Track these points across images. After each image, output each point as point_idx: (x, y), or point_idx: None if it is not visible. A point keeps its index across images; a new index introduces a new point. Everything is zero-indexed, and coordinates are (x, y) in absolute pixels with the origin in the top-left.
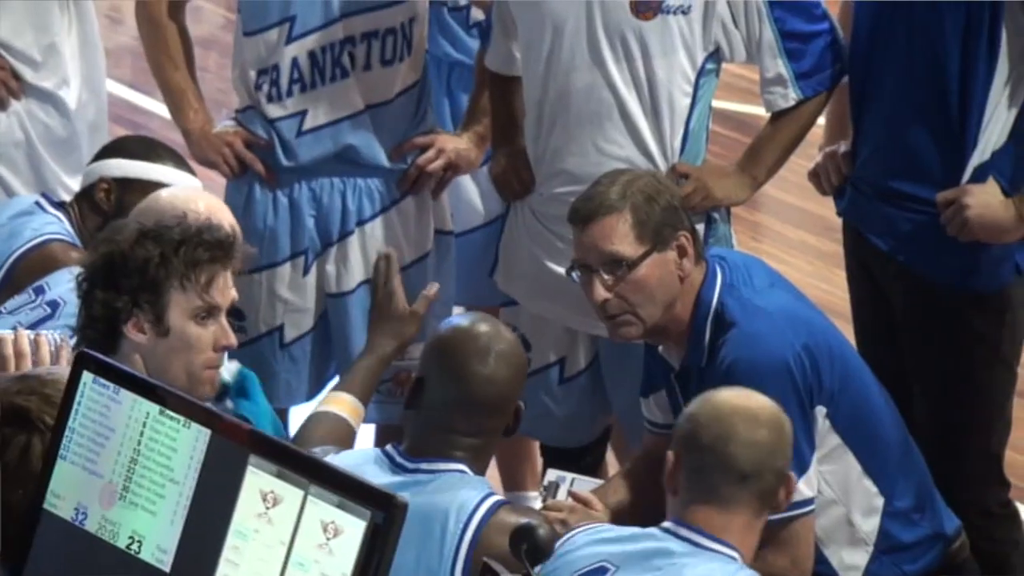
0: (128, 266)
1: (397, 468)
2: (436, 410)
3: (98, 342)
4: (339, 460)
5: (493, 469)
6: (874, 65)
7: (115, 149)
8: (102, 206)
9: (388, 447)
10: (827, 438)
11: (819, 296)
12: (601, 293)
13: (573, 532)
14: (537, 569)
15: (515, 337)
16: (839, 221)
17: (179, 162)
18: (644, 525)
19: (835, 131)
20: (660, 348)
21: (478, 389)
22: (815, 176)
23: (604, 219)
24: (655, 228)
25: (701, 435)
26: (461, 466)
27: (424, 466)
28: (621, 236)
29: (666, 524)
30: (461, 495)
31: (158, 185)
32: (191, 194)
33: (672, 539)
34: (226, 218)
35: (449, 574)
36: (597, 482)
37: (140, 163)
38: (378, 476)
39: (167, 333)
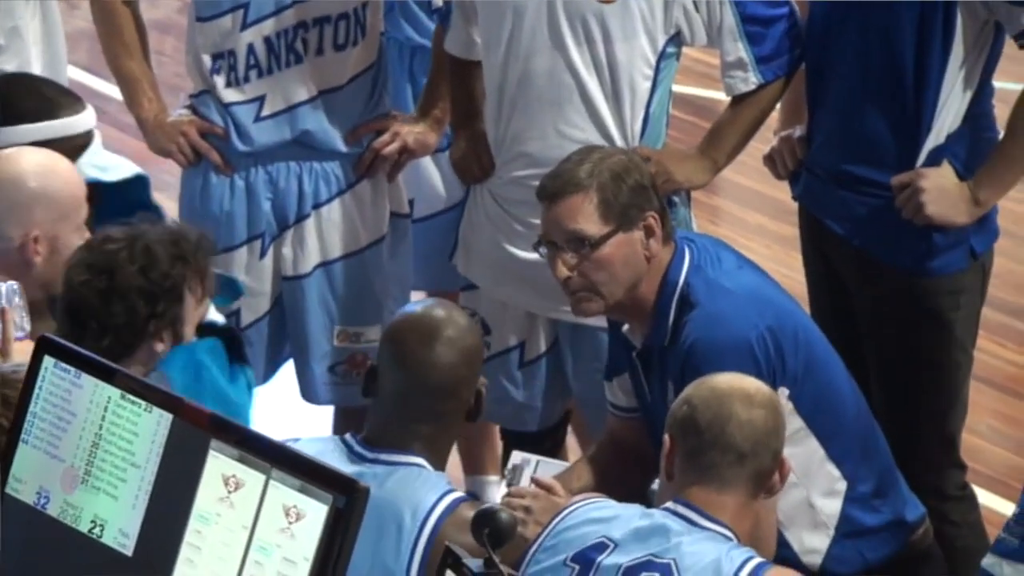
0: (164, 284)
1: (355, 457)
2: (390, 398)
3: (118, 352)
4: (299, 447)
5: (454, 453)
6: (829, 48)
7: (14, 111)
8: None
9: (347, 436)
10: (790, 420)
11: (778, 280)
12: (563, 271)
13: (572, 507)
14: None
15: (469, 322)
16: (796, 205)
17: (73, 101)
18: None
19: (790, 115)
20: (624, 327)
21: (424, 374)
22: (770, 160)
23: (570, 197)
24: (621, 208)
25: (698, 417)
26: (419, 460)
27: (383, 457)
28: (586, 215)
29: (667, 504)
30: (418, 494)
31: (72, 139)
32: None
33: (671, 517)
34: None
35: (405, 572)
36: (562, 464)
37: (48, 123)
38: (336, 465)
39: (181, 340)
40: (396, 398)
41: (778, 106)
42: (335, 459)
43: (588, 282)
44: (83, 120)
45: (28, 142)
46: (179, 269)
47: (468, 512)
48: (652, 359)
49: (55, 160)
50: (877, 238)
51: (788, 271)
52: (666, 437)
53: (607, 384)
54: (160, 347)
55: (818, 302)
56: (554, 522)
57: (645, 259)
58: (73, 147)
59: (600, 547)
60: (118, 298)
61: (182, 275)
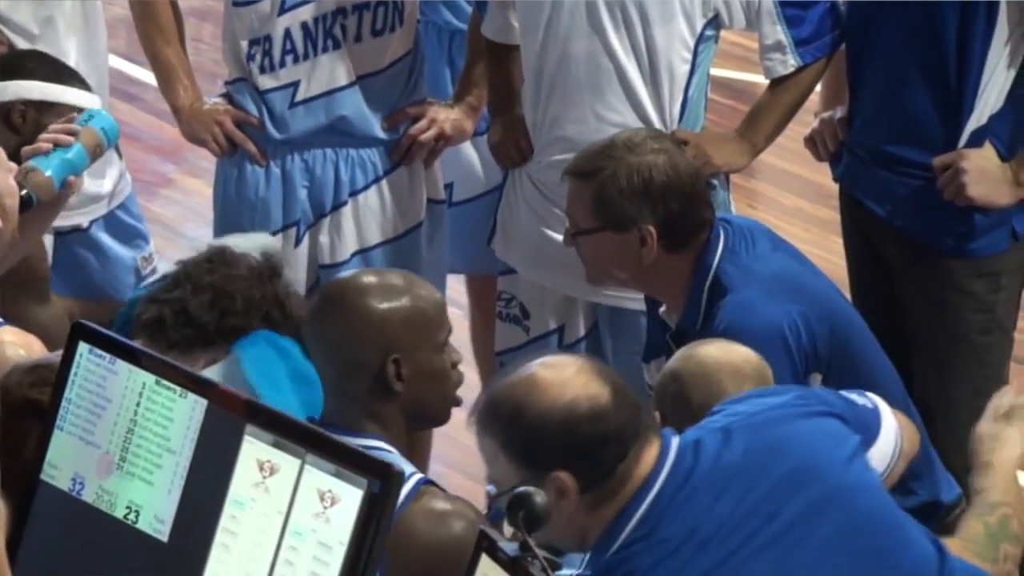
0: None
1: None
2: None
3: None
4: None
5: None
6: (871, 29)
7: (20, 69)
8: (18, 127)
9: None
10: None
11: (816, 262)
12: (564, 238)
13: None
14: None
15: (369, 284)
16: (836, 188)
17: (84, 84)
18: None
19: (831, 97)
20: (662, 309)
21: (308, 344)
22: (811, 142)
23: (575, 182)
24: (615, 210)
25: (689, 394)
26: (377, 443)
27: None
28: (580, 204)
29: None
30: None
31: (71, 108)
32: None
33: None
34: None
35: None
36: None
37: (55, 86)
38: None
39: None
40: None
41: (819, 88)
42: None
43: (582, 259)
44: (88, 98)
45: (30, 99)
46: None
47: (433, 501)
48: (685, 341)
49: None
50: (918, 219)
51: (827, 254)
52: (657, 414)
53: (645, 366)
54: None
55: (860, 283)
56: None
57: (638, 262)
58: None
59: None
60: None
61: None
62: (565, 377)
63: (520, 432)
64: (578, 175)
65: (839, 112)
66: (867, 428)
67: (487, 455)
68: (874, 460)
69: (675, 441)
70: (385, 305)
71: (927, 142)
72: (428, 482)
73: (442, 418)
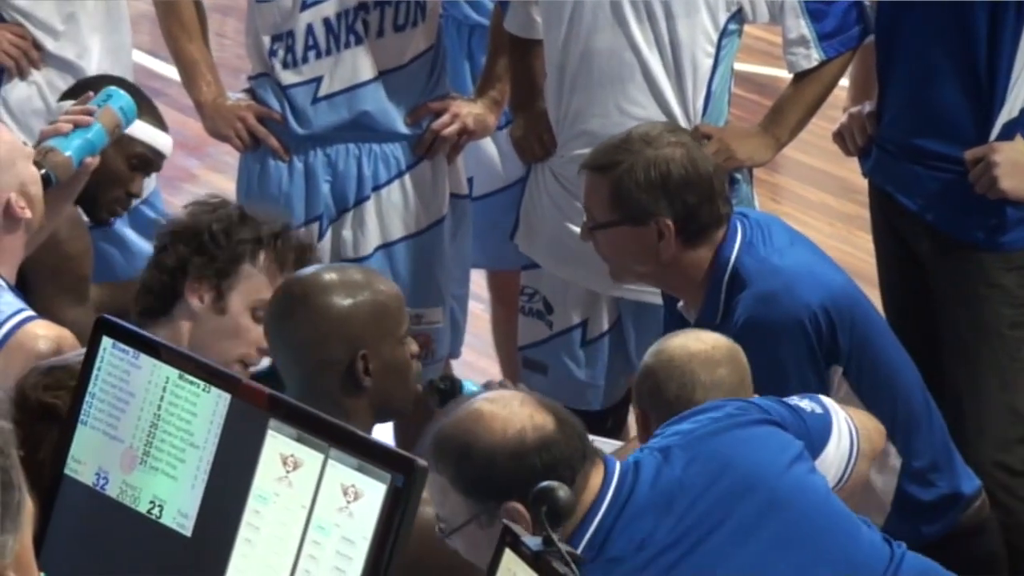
0: (217, 239)
1: None
2: (279, 368)
3: (157, 295)
4: None
5: None
6: (900, 22)
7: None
8: None
9: None
10: (847, 398)
11: (840, 258)
12: (581, 233)
13: None
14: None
15: (331, 280)
16: (861, 183)
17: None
18: None
19: (860, 91)
20: (680, 304)
21: (272, 342)
22: (839, 137)
23: (591, 175)
24: (632, 203)
25: (664, 389)
26: None
27: None
28: (596, 197)
29: None
30: None
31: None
32: None
33: None
34: None
35: None
36: (617, 444)
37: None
38: None
39: (223, 312)
40: (280, 369)
41: (845, 83)
42: None
43: (599, 253)
44: (163, 140)
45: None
46: (246, 234)
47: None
48: None
49: None
50: (949, 213)
51: (851, 249)
52: (637, 411)
53: None
54: (196, 304)
55: (890, 278)
56: None
57: (656, 255)
58: (147, 160)
59: None
60: (167, 244)
61: (244, 245)
62: (511, 410)
63: (470, 466)
64: (595, 169)
65: (867, 107)
66: (814, 432)
67: (436, 493)
68: (826, 463)
69: (617, 465)
70: (349, 301)
71: (958, 136)
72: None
73: (406, 409)
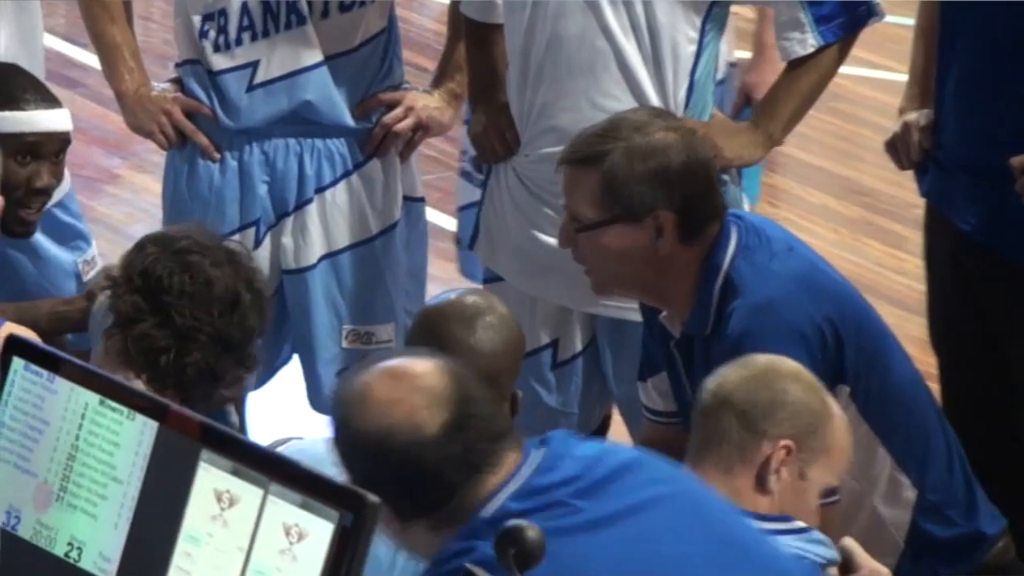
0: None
1: None
2: None
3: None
4: (300, 454)
5: None
6: (957, 30)
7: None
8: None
9: None
10: (853, 424)
11: (845, 269)
12: (560, 238)
13: None
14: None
15: (509, 312)
16: (868, 183)
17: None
18: None
19: (920, 88)
20: (662, 315)
21: (466, 360)
22: (892, 148)
23: (575, 170)
24: (628, 197)
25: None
26: None
27: None
28: (585, 195)
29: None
30: None
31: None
32: None
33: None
34: None
35: None
36: None
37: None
38: None
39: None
40: None
41: (846, 71)
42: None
43: (583, 262)
44: (53, 117)
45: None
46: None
47: None
48: (694, 349)
49: None
50: (1006, 233)
51: (858, 259)
52: (787, 444)
53: (641, 385)
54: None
55: (943, 311)
56: None
57: (652, 254)
58: (44, 150)
59: None
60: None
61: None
62: (399, 396)
63: (340, 440)
64: (579, 162)
65: (924, 117)
66: None
67: None
68: None
69: (535, 454)
70: (522, 336)
71: (1016, 151)
72: None
73: None
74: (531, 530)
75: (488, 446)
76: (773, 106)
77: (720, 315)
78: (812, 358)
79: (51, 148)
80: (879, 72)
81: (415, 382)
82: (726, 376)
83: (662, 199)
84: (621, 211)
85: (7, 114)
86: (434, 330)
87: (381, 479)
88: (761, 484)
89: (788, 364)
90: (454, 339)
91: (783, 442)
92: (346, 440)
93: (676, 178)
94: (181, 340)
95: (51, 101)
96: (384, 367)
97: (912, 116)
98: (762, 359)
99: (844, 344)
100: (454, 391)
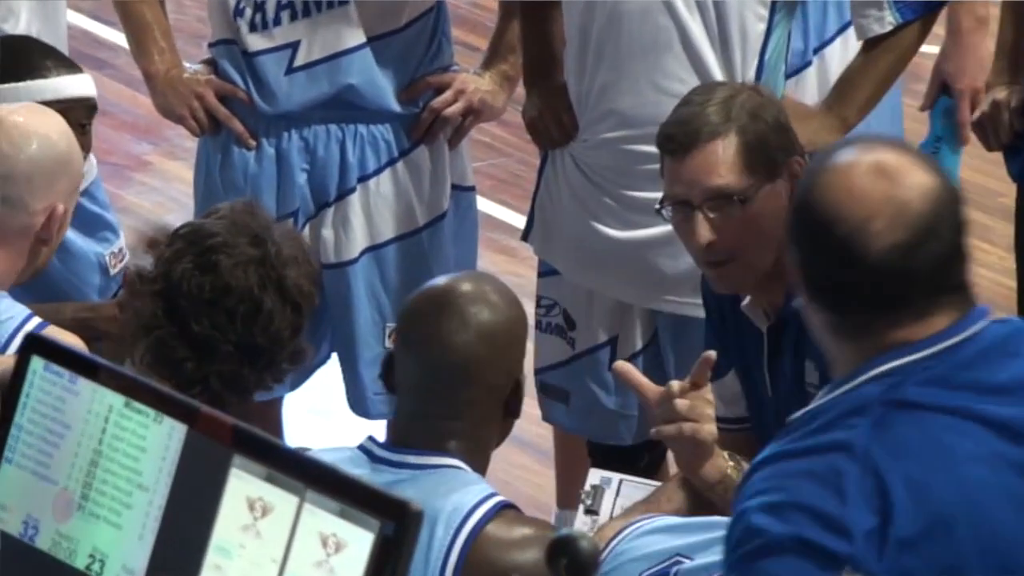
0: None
1: (379, 463)
2: (409, 390)
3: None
4: None
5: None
6: None
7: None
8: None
9: (366, 441)
10: None
11: None
12: (705, 234)
13: (624, 533)
14: None
15: (501, 295)
16: (967, 174)
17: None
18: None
19: (1006, 64)
20: (744, 303)
21: (434, 355)
22: (979, 128)
23: (707, 146)
24: (766, 153)
25: None
26: (455, 461)
27: (411, 459)
28: (729, 165)
29: None
30: (453, 499)
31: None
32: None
33: None
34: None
35: None
36: (651, 484)
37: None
38: None
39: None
40: (415, 389)
41: (926, 49)
42: (353, 470)
43: (735, 247)
44: (77, 83)
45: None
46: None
47: (510, 528)
48: (784, 338)
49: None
50: None
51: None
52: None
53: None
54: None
55: None
56: (613, 543)
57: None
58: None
59: (675, 564)
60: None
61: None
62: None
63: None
64: (708, 135)
65: (1015, 96)
66: None
67: None
68: None
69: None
70: (514, 319)
71: None
72: (508, 505)
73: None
74: (585, 540)
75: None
76: (848, 88)
77: None
78: None
79: (78, 116)
80: None
81: (896, 191)
82: None
83: (791, 145)
84: (767, 170)
85: (30, 83)
86: (405, 323)
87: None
88: None
89: None
90: (420, 333)
91: None
92: (799, 201)
93: (788, 124)
94: (200, 350)
95: (72, 67)
96: (877, 158)
97: (1002, 94)
98: None
99: None
100: (926, 219)
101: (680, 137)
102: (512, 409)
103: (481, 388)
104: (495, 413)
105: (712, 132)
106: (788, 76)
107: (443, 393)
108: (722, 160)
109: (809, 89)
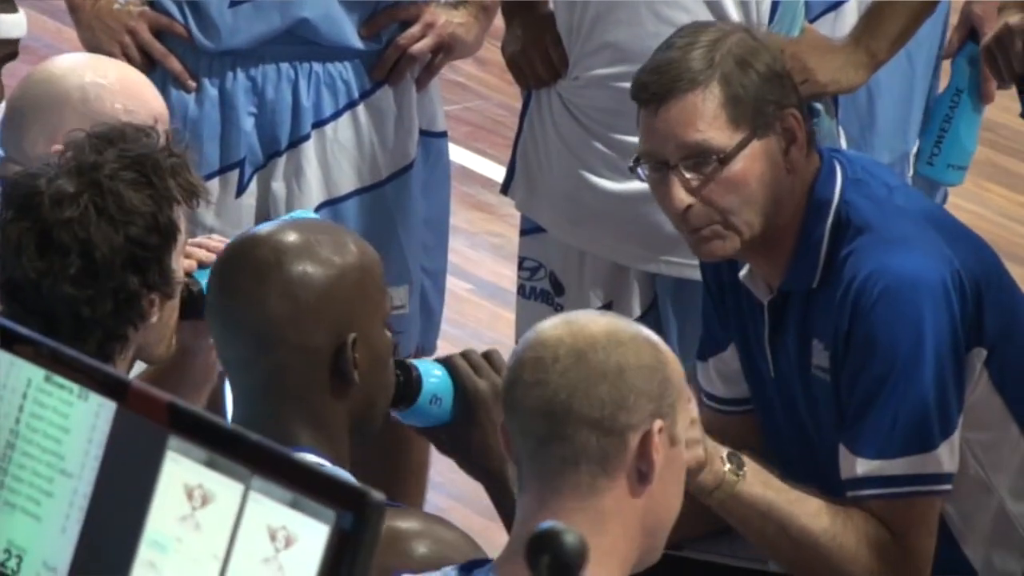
0: (150, 240)
1: None
2: (227, 364)
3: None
4: None
5: None
6: None
7: None
8: None
9: None
10: (984, 395)
11: (962, 218)
12: (683, 197)
13: None
14: None
15: (333, 240)
16: (990, 115)
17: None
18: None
19: None
20: (741, 273)
21: (222, 319)
22: (989, 55)
23: (684, 97)
24: (754, 106)
25: None
26: (316, 458)
27: None
28: (709, 119)
29: None
30: None
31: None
32: (104, 83)
33: None
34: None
35: None
36: None
37: None
38: None
39: (172, 297)
40: (231, 364)
41: None
42: None
43: (715, 211)
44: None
45: None
46: (161, 203)
47: (393, 521)
48: (787, 313)
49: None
50: None
51: (974, 206)
52: None
53: (701, 366)
54: (154, 318)
55: None
56: None
57: (786, 173)
58: None
59: None
60: (103, 281)
61: (168, 206)
62: None
63: None
64: (686, 84)
65: None
66: None
67: None
68: None
69: None
70: (336, 267)
71: None
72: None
73: (379, 421)
74: (570, 535)
75: None
76: (878, 20)
77: (831, 261)
78: (951, 313)
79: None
80: None
81: None
82: (537, 389)
83: (786, 96)
84: (753, 124)
85: None
86: (217, 278)
87: None
88: (641, 480)
89: (593, 328)
90: (234, 289)
91: (655, 424)
92: None
93: (784, 71)
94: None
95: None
96: None
97: (1016, 18)
98: (551, 338)
99: (984, 300)
100: None
101: (654, 86)
102: (343, 374)
103: (292, 354)
104: (319, 382)
105: (691, 81)
106: (826, 10)
107: (246, 365)
108: (701, 113)
109: (849, 26)
